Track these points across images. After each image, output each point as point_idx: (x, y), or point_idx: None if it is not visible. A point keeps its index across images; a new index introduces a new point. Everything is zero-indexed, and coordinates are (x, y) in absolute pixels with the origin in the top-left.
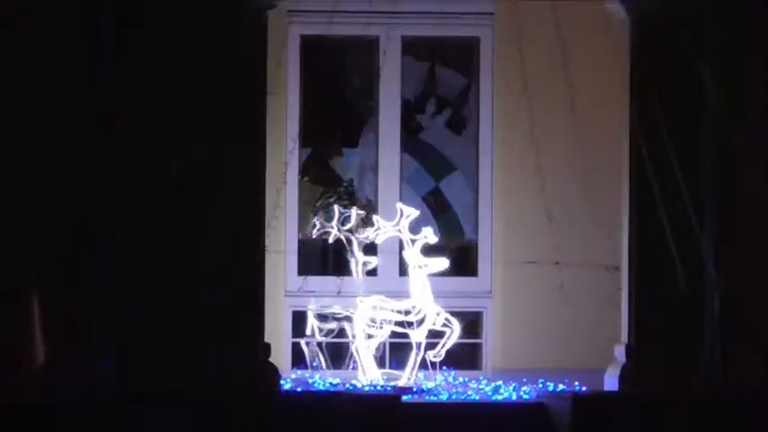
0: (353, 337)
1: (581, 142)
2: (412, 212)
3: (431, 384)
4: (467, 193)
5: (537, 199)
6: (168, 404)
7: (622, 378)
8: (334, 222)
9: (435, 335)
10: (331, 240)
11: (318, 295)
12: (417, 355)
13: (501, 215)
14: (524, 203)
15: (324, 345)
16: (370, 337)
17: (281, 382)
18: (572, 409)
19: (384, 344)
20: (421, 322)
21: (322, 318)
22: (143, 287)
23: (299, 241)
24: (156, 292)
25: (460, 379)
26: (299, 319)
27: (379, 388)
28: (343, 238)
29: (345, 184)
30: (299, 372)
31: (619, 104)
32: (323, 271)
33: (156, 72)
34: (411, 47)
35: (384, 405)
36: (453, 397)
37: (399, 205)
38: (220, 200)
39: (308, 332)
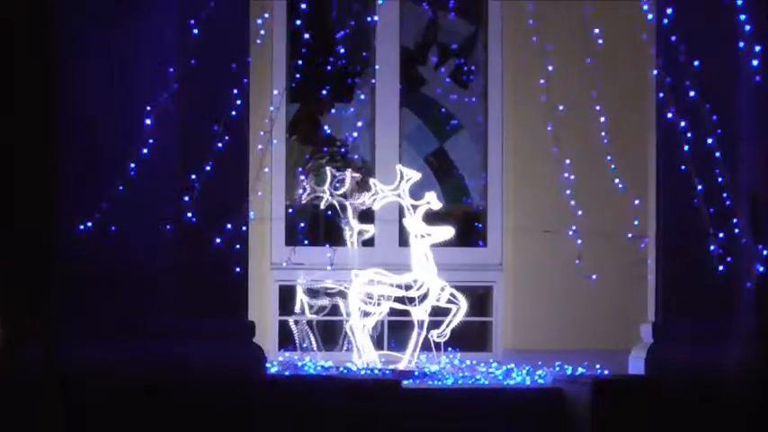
0: (348, 314)
1: (603, 94)
2: (413, 175)
3: (434, 368)
4: (474, 154)
5: (553, 159)
6: (139, 391)
7: (649, 360)
8: (326, 186)
9: (439, 312)
10: (322, 206)
11: (308, 268)
12: (419, 335)
13: (512, 178)
14: (538, 164)
15: (314, 323)
16: (366, 314)
17: (267, 365)
18: (592, 395)
19: (382, 322)
20: (423, 298)
21: (312, 293)
22: (109, 260)
23: (287, 207)
24: (125, 265)
25: (468, 362)
26: (286, 295)
27: (376, 372)
28: (335, 203)
29: (338, 143)
30: (287, 354)
31: (645, 53)
32: (313, 241)
33: None
34: None
35: (382, 391)
36: (460, 382)
37: (399, 167)
38: (194, 162)
39: (296, 309)
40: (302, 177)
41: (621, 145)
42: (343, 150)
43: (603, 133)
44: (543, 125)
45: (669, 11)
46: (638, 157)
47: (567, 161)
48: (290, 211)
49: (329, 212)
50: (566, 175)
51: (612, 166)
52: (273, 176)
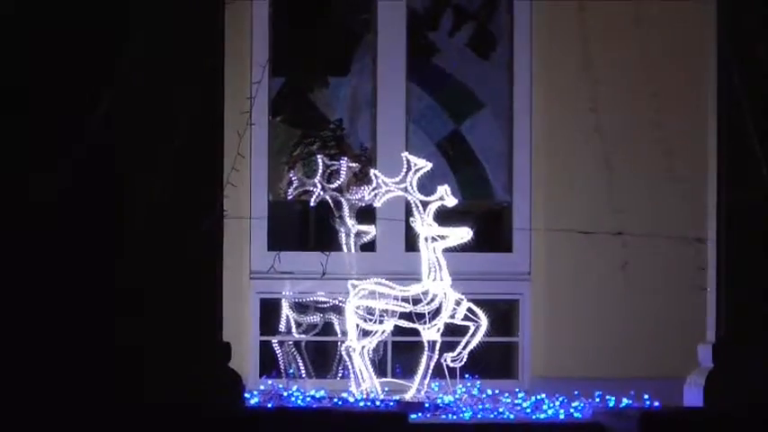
0: (343, 334)
1: (650, 67)
2: (423, 165)
3: (448, 399)
4: (497, 139)
5: (591, 145)
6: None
7: (709, 389)
8: (317, 178)
9: (455, 331)
10: (313, 203)
11: (296, 277)
12: (430, 358)
13: (543, 168)
14: (575, 151)
15: (303, 345)
16: (365, 334)
17: (246, 395)
18: (640, 430)
19: (385, 343)
20: (435, 314)
21: (301, 308)
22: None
23: (270, 204)
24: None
25: (489, 391)
26: (269, 311)
27: (378, 403)
28: (329, 199)
29: (332, 125)
30: (270, 382)
31: (699, 14)
32: (302, 245)
33: None
34: None
35: (386, 426)
36: (479, 416)
37: (405, 155)
38: (159, 148)
39: (281, 328)
40: (288, 167)
41: (676, 126)
42: (337, 135)
43: (654, 112)
44: (582, 103)
45: None
46: (696, 140)
47: (611, 147)
48: (274, 208)
49: (321, 210)
50: (608, 163)
51: (665, 153)
52: (253, 166)
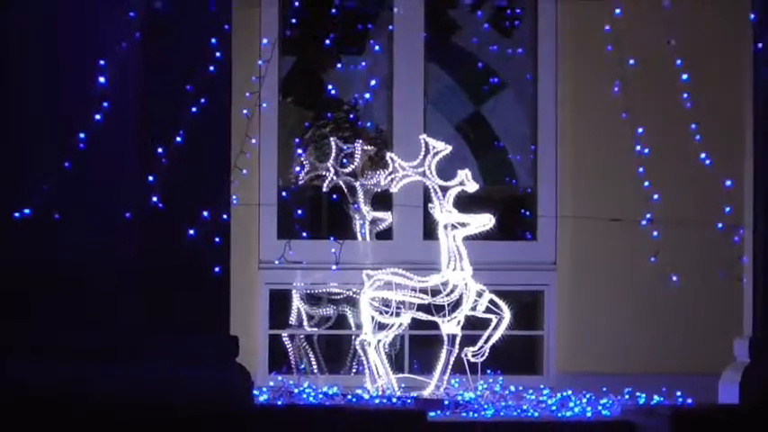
0: (358, 327)
1: (685, 44)
2: (442, 148)
3: (469, 396)
4: (520, 121)
5: (621, 128)
6: (78, 427)
7: (745, 385)
8: (331, 162)
9: (476, 324)
10: (326, 188)
11: (307, 268)
12: (450, 353)
13: (569, 151)
14: (603, 134)
15: (315, 339)
16: (381, 327)
17: (255, 392)
18: (672, 429)
19: (402, 337)
20: (455, 307)
21: (312, 300)
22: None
23: (280, 190)
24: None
25: (512, 388)
26: (279, 303)
27: (395, 401)
28: (342, 184)
29: (346, 107)
30: (280, 378)
31: None
32: (314, 233)
33: None
34: None
35: (403, 425)
36: (502, 414)
37: (424, 138)
38: (162, 131)
39: (292, 321)
40: (300, 151)
41: (709, 109)
42: (352, 116)
43: (686, 94)
44: (609, 84)
45: None
46: (732, 125)
47: (640, 130)
48: (285, 194)
49: (334, 196)
50: (638, 148)
51: (698, 137)
52: (263, 150)
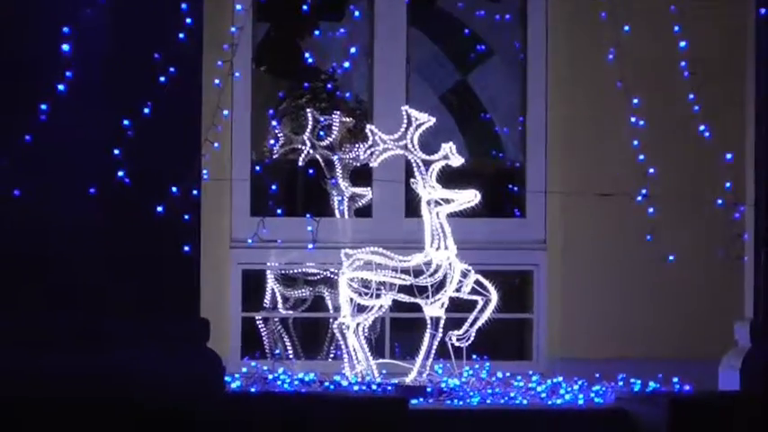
0: (336, 310)
1: (684, 9)
2: (425, 120)
3: (454, 382)
4: (509, 90)
5: (616, 98)
6: (39, 417)
7: (746, 371)
8: (307, 135)
9: (461, 307)
10: (302, 162)
11: (282, 246)
12: (433, 337)
13: (560, 123)
14: (596, 105)
15: (291, 322)
16: (361, 309)
17: (226, 378)
18: (669, 417)
19: (382, 320)
20: (439, 288)
21: (288, 281)
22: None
23: (253, 164)
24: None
25: (499, 374)
26: (252, 284)
27: (375, 387)
28: (320, 158)
29: (323, 76)
30: (253, 363)
31: None
32: (289, 210)
33: None
34: None
35: (383, 413)
36: (488, 401)
37: (406, 109)
38: (128, 102)
39: (266, 303)
40: (274, 123)
41: (709, 78)
42: (329, 86)
43: (684, 62)
44: (603, 51)
45: None
46: (733, 94)
47: (636, 100)
48: (258, 169)
49: (311, 171)
50: (633, 119)
51: (696, 107)
52: (235, 122)
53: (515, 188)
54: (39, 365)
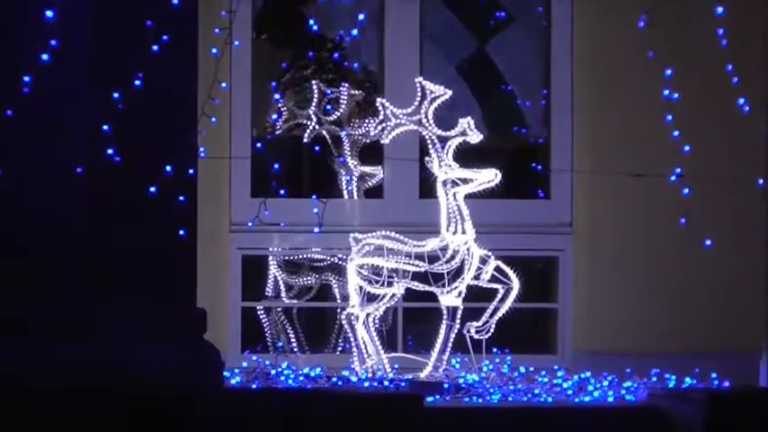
0: (344, 299)
1: None
2: (441, 93)
3: (472, 378)
4: (530, 60)
5: (647, 69)
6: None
7: None
8: (312, 109)
9: (480, 296)
10: (307, 139)
11: (286, 230)
12: (450, 329)
13: (587, 97)
14: (625, 77)
15: (295, 312)
16: (371, 299)
17: (225, 373)
18: (706, 415)
19: (395, 311)
20: (456, 275)
21: (292, 268)
22: None
23: (254, 141)
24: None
25: (522, 369)
26: (253, 271)
27: (386, 384)
28: (326, 134)
29: (330, 45)
30: (255, 357)
31: None
32: (293, 191)
33: None
34: None
35: (396, 411)
36: (510, 398)
37: (420, 81)
38: (118, 73)
39: (268, 292)
40: (277, 96)
41: (748, 47)
42: (336, 56)
43: (722, 30)
44: (634, 18)
45: None
46: None
47: (669, 72)
48: (259, 146)
49: (317, 148)
50: (666, 92)
51: (735, 79)
52: (234, 95)
53: (539, 167)
54: (24, 354)
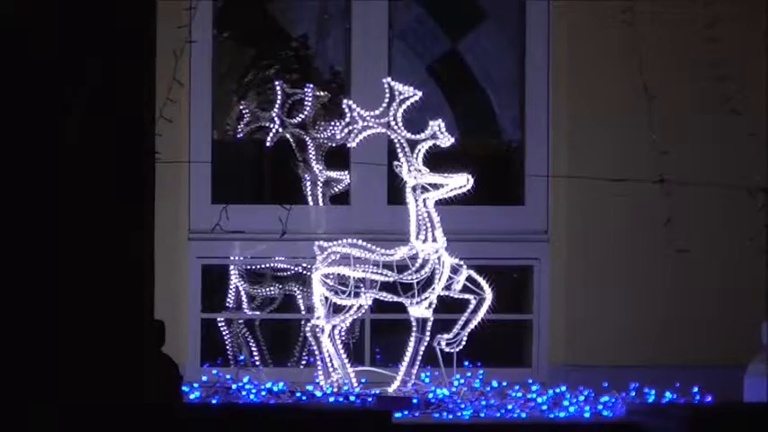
0: (309, 310)
1: None
2: (410, 94)
3: (443, 392)
4: (505, 60)
5: (626, 68)
6: None
7: None
8: (276, 111)
9: (452, 306)
10: (269, 143)
11: (248, 238)
12: (420, 341)
13: (564, 98)
14: (605, 76)
15: (258, 324)
16: (337, 310)
17: (184, 389)
18: None
19: (362, 322)
20: (426, 285)
21: (254, 278)
22: None
23: (214, 144)
24: None
25: (494, 383)
26: (213, 281)
27: (353, 398)
28: (290, 138)
29: (294, 44)
30: (215, 371)
31: None
32: (255, 196)
33: None
34: None
35: (363, 427)
36: (482, 414)
37: (388, 81)
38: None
39: (229, 303)
40: (238, 97)
41: (735, 42)
42: (301, 56)
43: (707, 26)
44: (613, 15)
45: None
46: (761, 61)
47: (651, 70)
48: (220, 149)
49: (280, 152)
50: (648, 91)
51: (720, 78)
52: (193, 96)
53: (513, 172)
54: None
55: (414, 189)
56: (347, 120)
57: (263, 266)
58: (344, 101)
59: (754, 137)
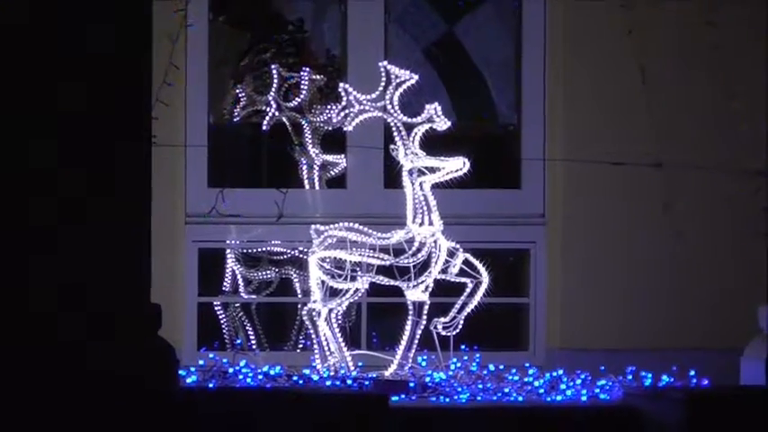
0: (305, 294)
1: None
2: (406, 78)
3: (440, 376)
4: (502, 43)
5: (623, 51)
6: None
7: None
8: (272, 95)
9: (448, 290)
10: (266, 126)
11: (244, 222)
12: (416, 325)
13: (561, 80)
14: (602, 60)
15: (254, 308)
16: (334, 294)
17: (181, 372)
18: (685, 415)
19: (358, 306)
20: (422, 269)
21: (251, 261)
22: None
23: (210, 128)
24: None
25: (491, 367)
26: (209, 265)
27: (350, 382)
28: (286, 121)
29: (291, 28)
30: (212, 355)
31: None
32: (252, 180)
33: None
34: None
35: (360, 411)
36: (479, 398)
37: (384, 65)
38: (63, 58)
39: (226, 286)
40: (234, 81)
41: (736, 24)
42: (297, 39)
43: (707, 9)
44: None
45: None
46: (762, 46)
47: (648, 52)
48: (217, 133)
49: (277, 136)
50: (645, 74)
51: (719, 62)
52: (189, 80)
53: (509, 155)
54: None
55: (410, 172)
56: (343, 103)
57: (259, 250)
58: (341, 84)
59: (752, 120)
